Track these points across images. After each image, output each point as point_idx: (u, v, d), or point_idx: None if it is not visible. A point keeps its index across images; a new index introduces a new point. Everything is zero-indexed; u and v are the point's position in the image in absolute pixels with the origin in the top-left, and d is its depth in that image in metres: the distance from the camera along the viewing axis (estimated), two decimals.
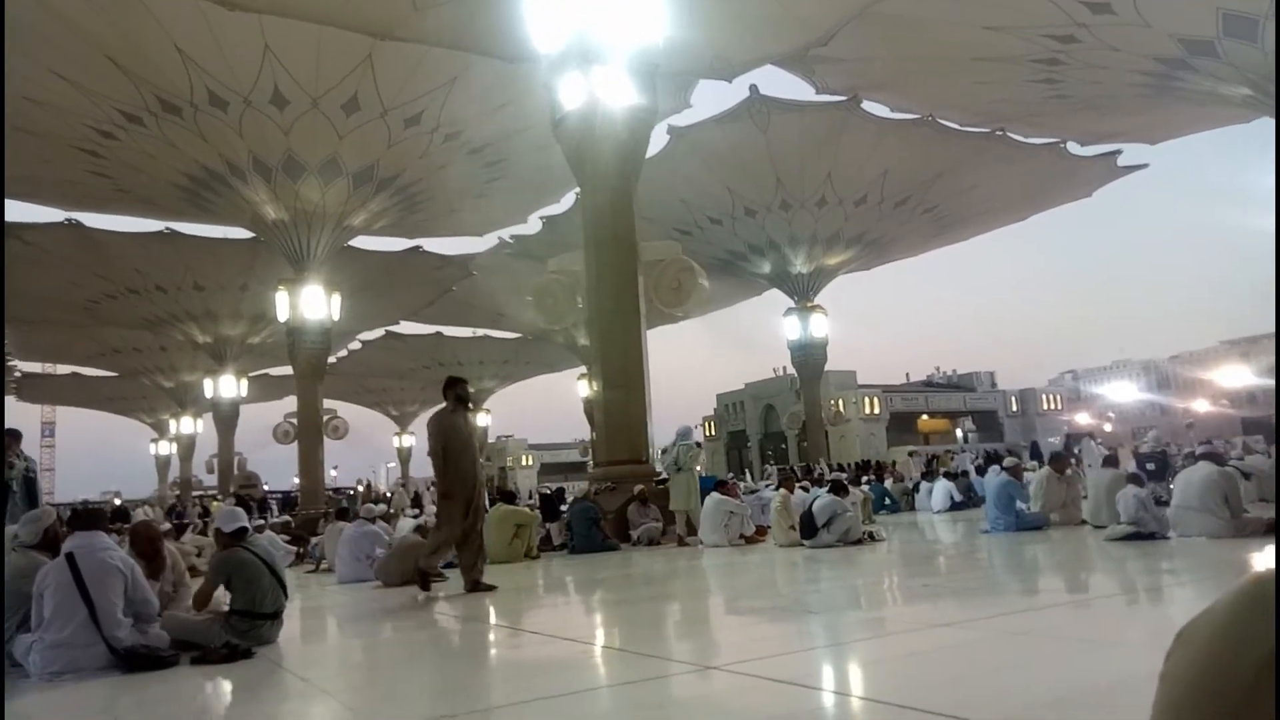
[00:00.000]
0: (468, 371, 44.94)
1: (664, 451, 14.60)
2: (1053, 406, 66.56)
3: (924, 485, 18.77)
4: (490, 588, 7.91)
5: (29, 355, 37.53)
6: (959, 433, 57.57)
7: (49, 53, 15.65)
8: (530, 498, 23.29)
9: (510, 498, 14.26)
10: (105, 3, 14.60)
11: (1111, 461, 11.83)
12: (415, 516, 15.23)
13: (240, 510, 6.32)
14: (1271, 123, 14.24)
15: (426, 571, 8.18)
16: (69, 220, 23.57)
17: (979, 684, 3.61)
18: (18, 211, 23.84)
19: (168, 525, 16.06)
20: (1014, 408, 64.90)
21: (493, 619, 6.86)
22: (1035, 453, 29.55)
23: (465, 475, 8.01)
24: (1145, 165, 23.95)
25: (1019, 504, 11.13)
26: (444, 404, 8.31)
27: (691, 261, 20.12)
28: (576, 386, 36.25)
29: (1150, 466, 14.73)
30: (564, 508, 14.88)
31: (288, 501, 30.88)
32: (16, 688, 4.88)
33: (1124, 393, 79.78)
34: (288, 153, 19.45)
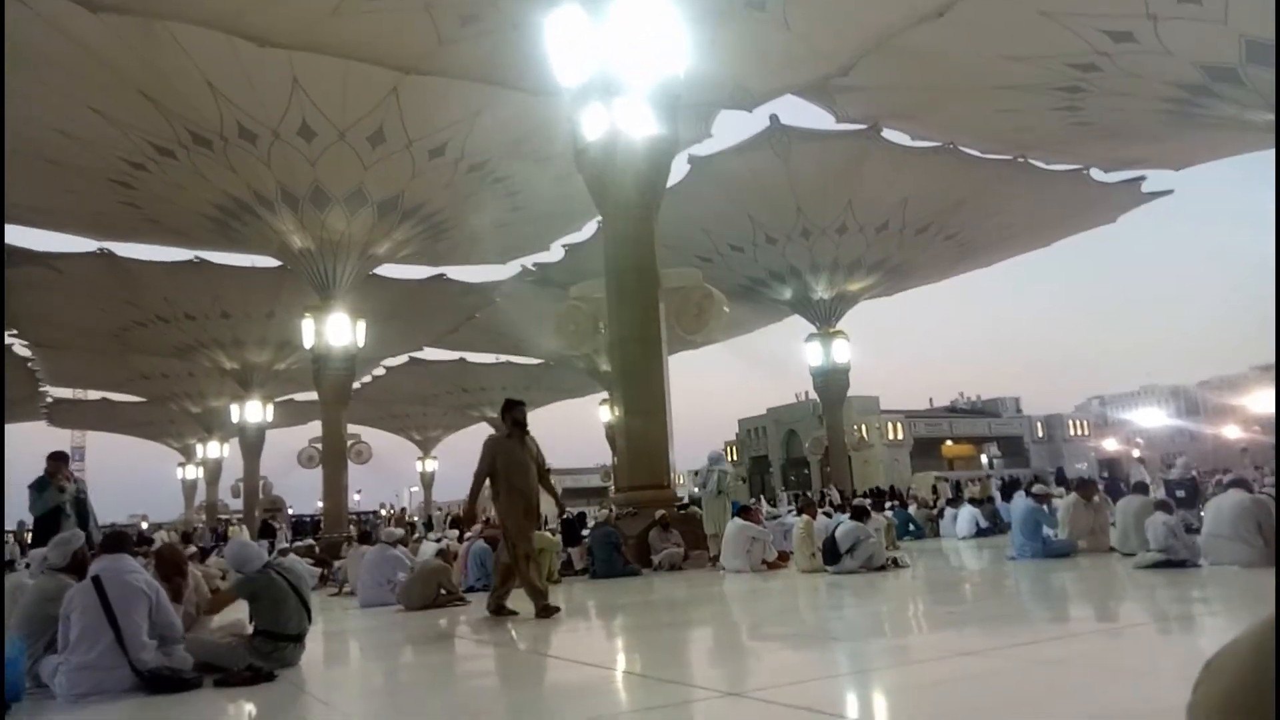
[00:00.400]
0: (490, 397, 45.17)
1: (696, 474, 14.73)
2: (1079, 432, 65.82)
3: (949, 511, 18.59)
4: (512, 612, 7.90)
5: (60, 381, 38.13)
6: (984, 458, 56.98)
7: (83, 87, 16.07)
8: (546, 524, 23.24)
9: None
10: (138, 39, 14.99)
11: (1140, 488, 11.67)
12: (437, 541, 15.26)
13: (254, 547, 6.35)
14: None
15: (546, 609, 7.71)
16: (101, 250, 24.03)
17: (1004, 714, 3.57)
18: (51, 241, 24.41)
19: (194, 549, 16.21)
20: (1040, 433, 64.23)
21: (515, 643, 6.86)
22: (1061, 478, 29.18)
23: (518, 498, 7.88)
24: (1170, 191, 23.78)
25: (1045, 530, 10.99)
26: (501, 430, 8.20)
27: (711, 288, 20.16)
28: (598, 412, 36.28)
29: (1180, 493, 14.52)
30: (585, 532, 14.87)
31: (312, 525, 31.03)
32: (43, 709, 4.94)
33: (1152, 418, 78.72)
34: (315, 184, 19.77)
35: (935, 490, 30.37)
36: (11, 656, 4.92)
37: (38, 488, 9.52)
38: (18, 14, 13.54)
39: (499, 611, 7.88)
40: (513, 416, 8.14)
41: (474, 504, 8.12)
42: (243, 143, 18.21)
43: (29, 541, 9.86)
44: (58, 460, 9.87)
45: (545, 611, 7.64)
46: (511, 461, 7.94)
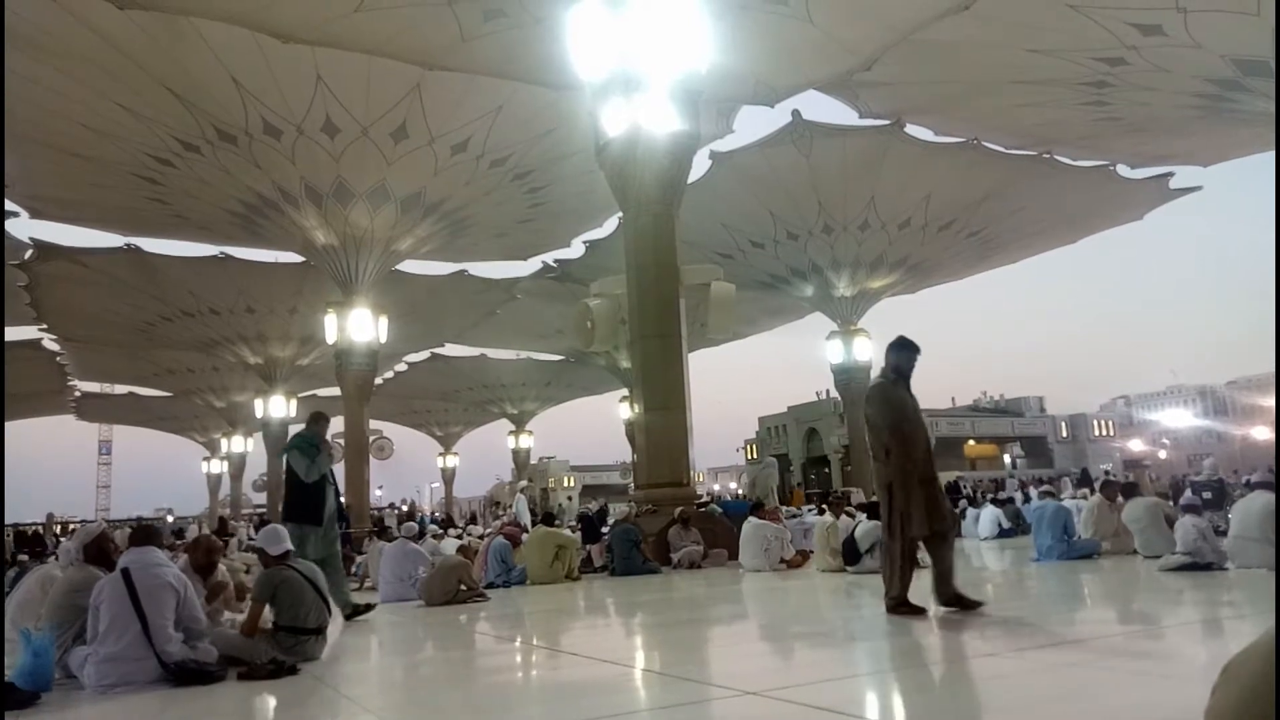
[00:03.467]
0: (511, 394, 45.38)
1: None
2: (1104, 432, 65.09)
3: (970, 512, 18.44)
4: (919, 610, 6.31)
5: (88, 375, 38.66)
6: (1006, 458, 56.49)
7: (111, 85, 16.25)
8: (555, 521, 23.26)
9: (550, 519, 14.33)
10: (164, 35, 15.14)
11: (1129, 489, 11.55)
12: (458, 537, 15.35)
13: (284, 531, 6.40)
14: None
15: (903, 604, 6.33)
16: (128, 245, 24.33)
17: (1025, 715, 3.54)
18: (79, 236, 24.73)
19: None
20: (1064, 433, 63.56)
21: (534, 640, 6.89)
22: (1085, 479, 28.91)
23: (919, 460, 6.39)
24: (1198, 188, 23.45)
25: (1069, 534, 10.89)
26: (881, 376, 6.72)
27: (714, 280, 19.62)
28: (618, 409, 36.31)
29: (1206, 495, 14.32)
30: (605, 529, 14.90)
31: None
32: (71, 699, 5.02)
33: (1179, 419, 77.76)
34: (338, 180, 19.91)
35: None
36: (41, 647, 5.00)
37: (308, 452, 8.32)
38: (46, 9, 13.74)
39: (958, 602, 6.36)
40: (895, 362, 6.58)
41: (890, 467, 6.40)
42: (267, 139, 18.36)
43: (290, 506, 8.39)
44: (324, 421, 8.72)
45: (905, 608, 6.31)
46: (905, 416, 6.42)
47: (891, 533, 6.37)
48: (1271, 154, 20.41)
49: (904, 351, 6.59)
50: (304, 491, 8.27)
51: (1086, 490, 20.81)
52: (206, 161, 19.01)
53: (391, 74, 16.71)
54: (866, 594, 8.77)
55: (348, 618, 7.88)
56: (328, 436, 8.64)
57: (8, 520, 36.21)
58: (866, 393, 6.66)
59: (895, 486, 6.32)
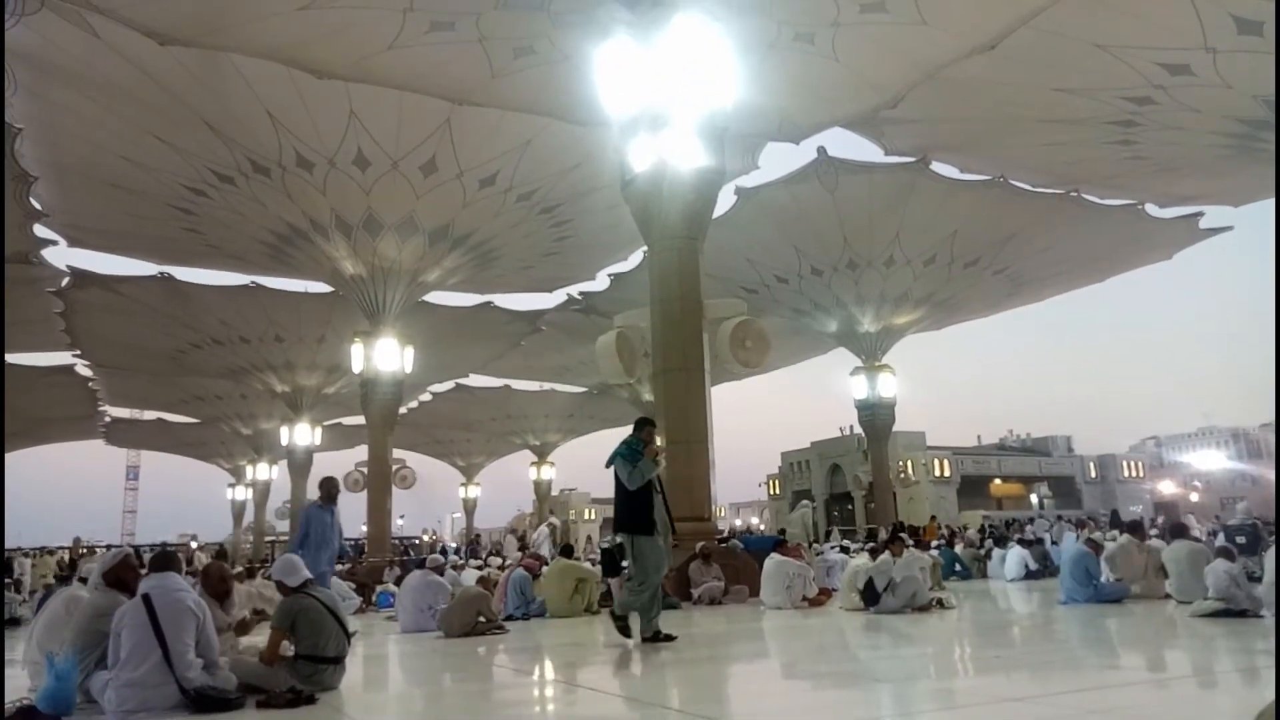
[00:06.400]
0: (534, 425, 45.45)
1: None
2: (1134, 473, 64.00)
3: (996, 552, 18.15)
4: None
5: (119, 401, 39.19)
6: (1034, 498, 55.63)
7: (150, 117, 16.67)
8: (569, 555, 23.08)
9: (569, 551, 14.28)
10: (203, 71, 15.53)
11: (1179, 530, 11.32)
12: (479, 569, 15.32)
13: (299, 560, 6.38)
14: None
15: None
16: (161, 274, 24.78)
17: None
18: (114, 265, 25.22)
19: (239, 568, 16.46)
20: (1092, 474, 62.57)
21: (552, 674, 6.84)
22: (1115, 521, 28.40)
23: None
24: (1229, 228, 23.21)
25: (1095, 577, 10.68)
26: None
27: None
28: None
29: (1240, 540, 14.02)
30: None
31: (355, 550, 31.19)
32: None
33: (1211, 461, 76.30)
34: (368, 211, 20.21)
35: (950, 531, 29.17)
36: (64, 671, 5.03)
37: (630, 458, 8.02)
38: (88, 44, 14.15)
39: None
40: None
41: None
42: (300, 171, 18.71)
43: (618, 516, 8.18)
44: (650, 426, 8.45)
45: None
46: None
47: None
48: None
49: None
50: (630, 499, 8.00)
51: (1115, 531, 20.40)
52: (240, 193, 19.38)
53: (422, 109, 17.01)
54: (887, 634, 8.64)
55: (646, 640, 7.67)
56: (656, 441, 8.29)
57: (38, 543, 36.66)
58: None
59: None
